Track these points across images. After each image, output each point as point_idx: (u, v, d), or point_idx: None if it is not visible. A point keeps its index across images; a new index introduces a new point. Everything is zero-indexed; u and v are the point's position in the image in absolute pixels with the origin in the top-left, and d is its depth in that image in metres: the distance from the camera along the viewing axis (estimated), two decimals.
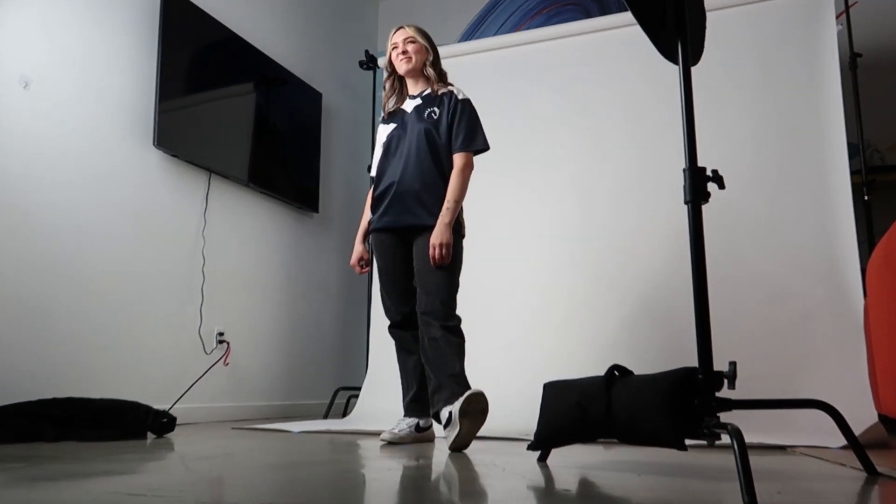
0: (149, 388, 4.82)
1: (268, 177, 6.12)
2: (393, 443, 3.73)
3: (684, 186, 2.36)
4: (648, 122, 5.48)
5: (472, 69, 6.15)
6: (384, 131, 4.13)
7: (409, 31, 4.16)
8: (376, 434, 4.23)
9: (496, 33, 7.39)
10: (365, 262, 4.20)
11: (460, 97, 4.04)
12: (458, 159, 3.97)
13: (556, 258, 5.54)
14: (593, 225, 5.50)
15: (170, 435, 4.09)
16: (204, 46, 5.53)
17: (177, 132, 5.17)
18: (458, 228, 4.02)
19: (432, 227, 3.84)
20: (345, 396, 6.30)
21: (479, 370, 5.30)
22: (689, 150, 2.39)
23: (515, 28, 7.40)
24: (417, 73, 4.13)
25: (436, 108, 4.01)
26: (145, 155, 5.02)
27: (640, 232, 5.31)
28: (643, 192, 5.36)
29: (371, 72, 6.97)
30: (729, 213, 4.82)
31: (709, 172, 2.35)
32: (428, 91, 4.11)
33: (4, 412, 3.60)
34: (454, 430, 3.41)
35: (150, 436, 4.02)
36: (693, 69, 2.50)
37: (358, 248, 4.18)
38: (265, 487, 2.13)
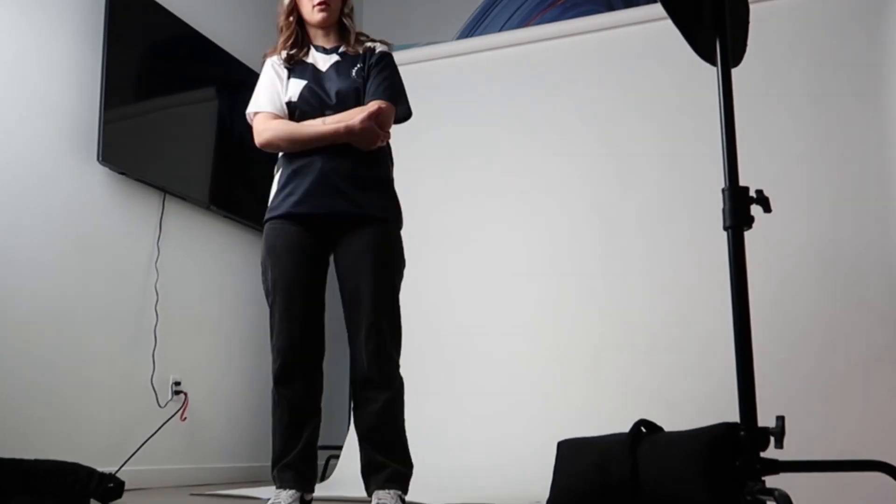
0: (93, 447, 4.80)
1: (232, 198, 6.13)
2: None
3: (723, 209, 2.37)
4: (681, 134, 5.47)
5: (473, 71, 6.18)
6: (295, 88, 3.70)
7: None
8: (361, 501, 4.23)
9: (501, 30, 7.41)
10: None
11: (380, 49, 3.79)
12: (374, 105, 3.59)
13: (572, 296, 5.53)
14: (616, 256, 5.49)
15: (117, 502, 4.09)
16: (157, 44, 5.54)
17: (125, 145, 5.17)
18: (396, 217, 3.77)
19: (374, 221, 3.60)
20: (324, 457, 6.27)
21: (484, 426, 5.33)
22: (730, 167, 2.41)
23: (524, 23, 7.40)
24: (332, 24, 3.81)
25: (361, 66, 3.72)
26: (88, 172, 5.01)
27: (671, 263, 5.30)
28: (675, 217, 5.36)
29: None
30: (776, 240, 4.82)
31: (752, 193, 2.36)
32: (343, 49, 3.79)
33: None
34: None
35: (94, 503, 4.02)
36: (734, 71, 2.52)
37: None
38: None
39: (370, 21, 8.21)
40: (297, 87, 3.70)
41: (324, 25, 3.78)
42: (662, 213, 5.42)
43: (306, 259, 3.60)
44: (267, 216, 3.70)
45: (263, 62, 3.90)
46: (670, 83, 5.58)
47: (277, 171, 3.74)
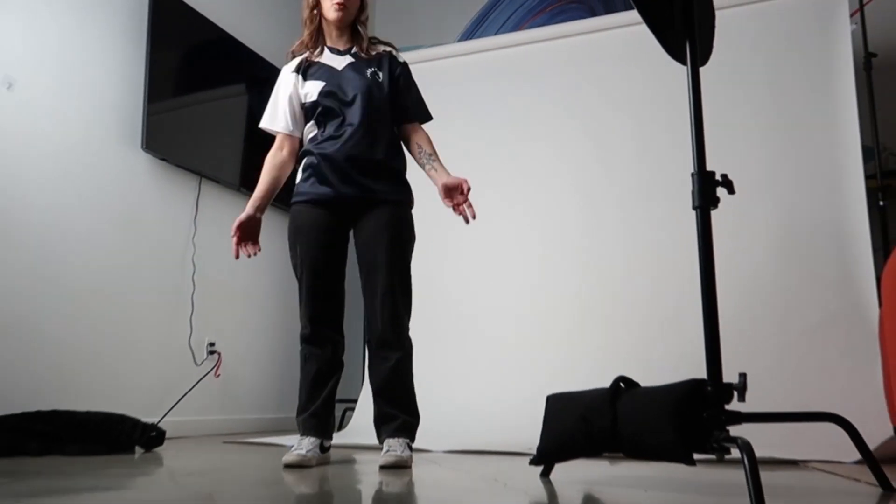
0: (137, 401, 4.82)
1: None
2: (302, 466, 3.35)
3: (692, 191, 2.36)
4: (655, 125, 5.46)
5: (472, 69, 6.16)
6: (314, 89, 3.68)
7: None
8: (373, 448, 4.23)
9: (497, 33, 7.38)
10: (252, 234, 3.70)
11: (401, 59, 3.83)
12: (419, 130, 3.79)
13: (559, 267, 5.53)
14: (598, 233, 5.49)
15: (158, 449, 4.09)
16: (194, 46, 5.54)
17: (166, 135, 5.18)
18: (408, 199, 3.81)
19: (383, 202, 3.62)
20: (340, 409, 6.28)
21: (480, 383, 5.33)
22: (698, 154, 2.40)
23: (517, 27, 7.39)
24: (346, 25, 3.77)
25: (377, 69, 3.71)
26: (133, 159, 5.02)
27: (646, 239, 5.30)
28: (650, 198, 5.35)
29: None
30: (739, 219, 4.81)
31: (718, 177, 2.35)
32: (356, 50, 3.76)
33: None
34: (395, 459, 3.34)
35: (138, 450, 4.01)
36: (702, 69, 2.51)
37: (249, 210, 3.69)
38: None
39: (381, 24, 8.19)
40: (315, 87, 3.67)
41: (339, 24, 3.72)
42: (639, 194, 5.41)
43: (329, 237, 3.61)
44: (294, 199, 3.71)
45: (288, 59, 3.86)
46: (645, 80, 5.57)
47: (303, 158, 3.72)
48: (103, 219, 4.79)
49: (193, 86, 5.51)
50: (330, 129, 3.65)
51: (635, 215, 5.39)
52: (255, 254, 3.70)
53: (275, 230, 6.35)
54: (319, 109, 3.67)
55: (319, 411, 3.61)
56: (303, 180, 3.69)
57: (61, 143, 4.56)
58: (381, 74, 3.72)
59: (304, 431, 3.58)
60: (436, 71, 6.30)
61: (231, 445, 4.54)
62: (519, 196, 5.74)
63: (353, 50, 3.76)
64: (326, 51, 3.78)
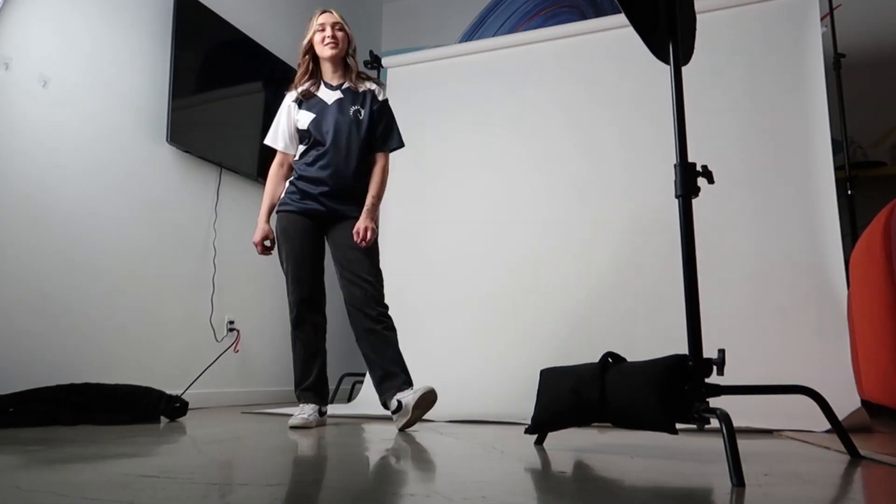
0: (162, 374, 4.83)
1: None
2: (305, 427, 3.73)
3: (675, 181, 2.35)
4: (640, 120, 5.47)
5: (472, 69, 6.16)
6: (305, 118, 4.03)
7: (336, 17, 4.10)
8: (380, 418, 4.26)
9: (495, 34, 7.38)
10: (270, 242, 4.08)
11: (380, 97, 4.12)
12: (381, 158, 4.10)
13: (552, 251, 5.53)
14: (588, 219, 5.49)
15: (182, 419, 4.09)
16: (215, 47, 5.53)
17: (189, 129, 5.17)
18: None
19: (353, 218, 3.95)
20: (350, 382, 6.30)
21: (479, 356, 5.33)
22: (680, 147, 2.38)
23: (514, 29, 7.39)
24: (339, 60, 4.10)
25: (360, 108, 4.04)
26: (159, 151, 5.02)
27: (633, 225, 5.30)
28: (636, 187, 5.36)
29: (375, 71, 6.95)
30: (718, 207, 4.82)
31: (699, 168, 2.34)
32: (347, 84, 4.09)
33: (23, 397, 3.60)
34: (405, 417, 3.69)
35: (163, 420, 4.02)
36: (684, 69, 2.49)
37: (264, 226, 4.06)
38: (273, 469, 2.13)
39: (387, 28, 8.18)
40: (307, 118, 4.02)
41: (333, 60, 4.07)
42: (624, 183, 5.42)
43: (309, 237, 3.99)
44: (279, 208, 4.06)
45: (284, 95, 4.21)
46: (632, 78, 5.57)
47: (292, 174, 4.09)
48: (131, 206, 4.78)
49: (214, 83, 5.50)
50: (313, 154, 4.00)
51: (621, 203, 5.40)
52: (272, 250, 4.10)
53: None
54: (307, 137, 4.02)
55: (312, 385, 3.96)
56: (288, 193, 4.05)
57: (92, 136, 4.55)
58: (362, 112, 4.04)
59: (305, 401, 3.94)
60: (437, 70, 6.31)
61: (248, 416, 4.54)
62: (510, 183, 5.75)
63: (345, 85, 4.09)
64: (322, 85, 4.11)
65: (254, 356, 5.81)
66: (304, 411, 3.84)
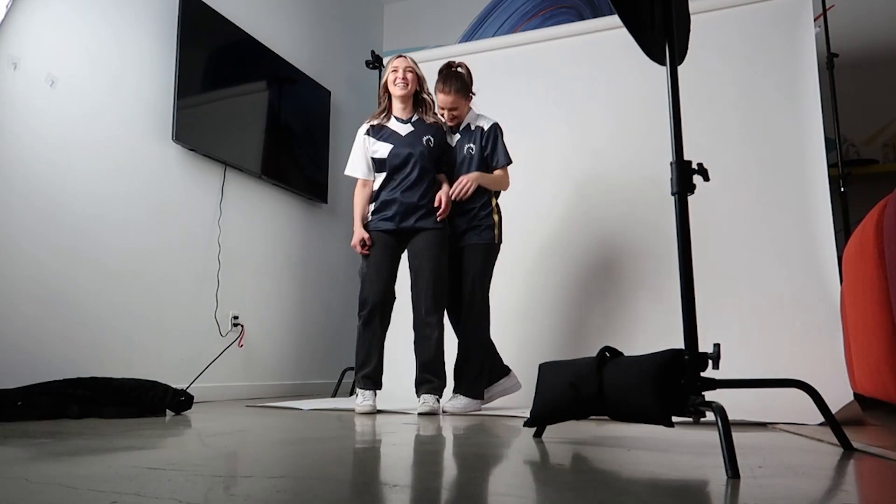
0: (168, 369, 4.83)
1: (280, 170, 6.12)
2: (371, 413, 4.25)
3: (671, 178, 2.35)
4: (636, 118, 5.48)
5: (472, 68, 6.14)
6: (383, 149, 4.52)
7: (408, 62, 4.63)
8: (380, 412, 4.26)
9: (495, 35, 7.38)
10: (365, 243, 4.47)
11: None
12: (443, 175, 4.69)
13: (550, 247, 5.54)
14: (586, 216, 5.50)
15: (187, 412, 4.09)
16: (220, 47, 5.52)
17: (194, 127, 5.16)
18: (445, 226, 4.57)
19: (428, 229, 4.47)
20: (352, 376, 6.27)
21: None
22: (676, 145, 2.38)
23: (513, 30, 7.39)
24: (409, 97, 4.59)
25: (431, 138, 4.55)
26: (165, 149, 5.01)
27: (630, 222, 5.31)
28: (632, 184, 5.36)
29: (377, 71, 6.94)
30: (713, 204, 4.83)
31: (694, 165, 2.34)
32: (417, 118, 4.61)
33: (31, 391, 3.60)
34: (428, 409, 4.18)
35: (169, 413, 4.01)
36: (679, 69, 2.49)
37: (360, 231, 4.49)
38: (277, 462, 2.13)
39: (388, 28, 8.18)
40: (385, 148, 4.52)
41: (403, 97, 4.58)
42: (622, 180, 5.43)
43: (389, 249, 4.49)
44: (366, 226, 4.55)
45: (365, 123, 4.70)
46: (628, 77, 5.58)
47: (374, 197, 4.58)
48: (137, 203, 4.78)
49: (219, 83, 5.49)
50: (393, 179, 4.52)
51: (619, 201, 5.40)
52: (370, 248, 4.50)
53: (293, 214, 6.36)
54: (386, 165, 4.51)
55: (371, 373, 4.38)
56: (372, 213, 4.55)
57: (99, 135, 4.55)
58: (433, 141, 4.56)
59: (364, 386, 4.38)
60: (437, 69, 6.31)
61: (253, 409, 4.54)
62: (515, 181, 5.73)
63: (415, 118, 4.62)
64: (394, 119, 4.61)
65: (258, 351, 5.81)
66: (364, 395, 4.35)
